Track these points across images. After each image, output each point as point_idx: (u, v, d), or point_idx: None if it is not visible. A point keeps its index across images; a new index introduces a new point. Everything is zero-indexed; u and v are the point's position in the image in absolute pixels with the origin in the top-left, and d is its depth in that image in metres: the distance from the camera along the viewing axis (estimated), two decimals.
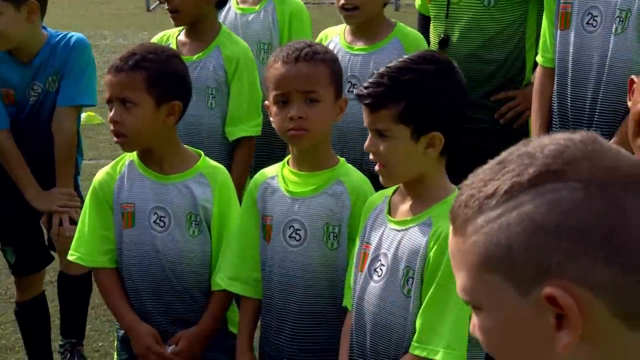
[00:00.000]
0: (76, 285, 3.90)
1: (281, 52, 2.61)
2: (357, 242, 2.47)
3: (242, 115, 3.54)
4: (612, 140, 2.96)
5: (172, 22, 3.61)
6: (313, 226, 2.59)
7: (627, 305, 0.97)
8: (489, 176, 1.04)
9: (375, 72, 2.35)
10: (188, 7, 3.51)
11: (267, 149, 3.74)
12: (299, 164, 2.64)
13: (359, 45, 3.50)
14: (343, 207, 2.58)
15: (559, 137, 1.04)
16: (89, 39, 3.83)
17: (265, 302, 2.70)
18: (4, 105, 3.62)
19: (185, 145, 2.91)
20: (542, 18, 3.37)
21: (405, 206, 2.37)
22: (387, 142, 2.30)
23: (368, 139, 2.35)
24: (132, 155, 2.86)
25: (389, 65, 2.35)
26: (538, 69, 3.43)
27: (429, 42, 3.68)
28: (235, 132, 3.54)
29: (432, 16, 3.71)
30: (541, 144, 1.03)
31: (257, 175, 2.76)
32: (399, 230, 2.34)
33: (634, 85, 2.18)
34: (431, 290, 2.26)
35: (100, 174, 2.89)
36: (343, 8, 3.46)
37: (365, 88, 2.33)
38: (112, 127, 2.78)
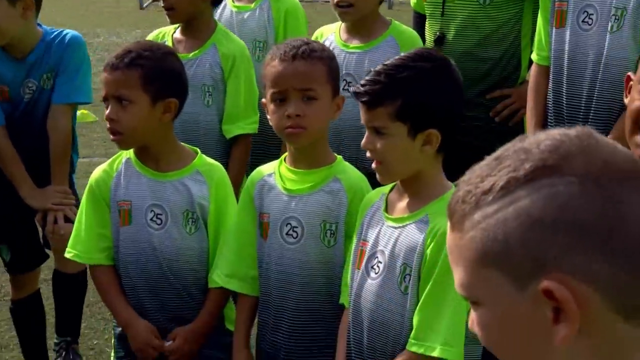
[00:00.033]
0: (71, 284, 3.89)
1: (278, 49, 2.61)
2: (354, 240, 2.47)
3: (240, 112, 3.54)
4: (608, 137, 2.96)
5: (168, 20, 3.60)
6: (310, 223, 2.59)
7: (624, 298, 0.98)
8: (486, 172, 1.04)
9: (373, 69, 2.36)
10: (184, 4, 3.51)
11: (263, 146, 3.75)
12: (296, 161, 2.64)
13: (355, 43, 3.50)
14: (340, 204, 2.58)
15: (555, 133, 1.04)
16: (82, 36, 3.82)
17: (263, 299, 2.70)
18: None
19: (182, 143, 2.91)
20: (537, 16, 3.38)
21: (402, 203, 2.38)
22: (384, 139, 2.31)
23: (365, 136, 2.35)
24: (129, 153, 2.86)
25: (386, 63, 2.35)
26: (533, 67, 3.44)
27: (424, 41, 3.68)
28: (232, 130, 3.54)
29: (427, 14, 3.72)
30: (537, 140, 1.03)
31: (254, 173, 2.76)
32: (396, 228, 2.35)
33: (631, 82, 2.19)
34: (428, 287, 2.26)
35: (97, 172, 2.89)
36: (338, 5, 3.46)
37: (362, 86, 2.33)
38: (108, 125, 2.78)
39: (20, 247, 3.82)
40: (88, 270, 3.36)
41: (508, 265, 1.00)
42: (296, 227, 2.60)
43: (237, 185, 3.20)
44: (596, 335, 0.99)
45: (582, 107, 3.17)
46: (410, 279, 2.29)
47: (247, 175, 3.13)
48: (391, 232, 2.36)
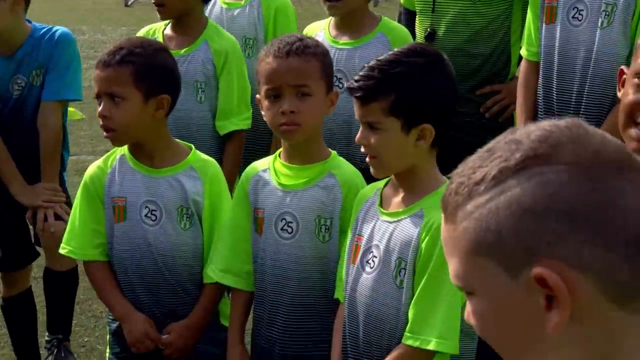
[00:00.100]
0: (62, 281, 3.88)
1: (272, 46, 2.61)
2: (349, 235, 2.48)
3: (233, 108, 3.54)
4: None
5: (156, 16, 3.59)
6: (305, 219, 2.60)
7: (615, 284, 0.99)
8: (478, 163, 1.06)
9: (366, 65, 2.37)
10: (174, 0, 3.50)
11: (253, 142, 3.75)
12: (291, 157, 2.65)
13: (344, 39, 3.50)
14: (335, 199, 2.59)
15: (545, 124, 1.06)
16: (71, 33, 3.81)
17: (258, 294, 2.71)
18: None
19: (177, 139, 2.91)
20: (526, 12, 3.40)
21: (397, 198, 2.39)
22: (378, 134, 2.32)
23: (359, 131, 2.36)
24: (124, 149, 2.85)
25: (379, 58, 2.36)
26: (522, 63, 3.46)
27: (414, 37, 3.69)
28: (226, 126, 3.54)
29: (418, 10, 3.73)
30: (528, 131, 1.05)
31: (249, 168, 2.76)
32: (390, 222, 2.36)
33: (624, 76, 2.20)
34: (423, 281, 2.28)
35: (92, 168, 2.89)
36: None
37: (356, 81, 2.34)
38: (101, 122, 2.77)
39: (11, 245, 3.81)
40: (80, 267, 3.36)
41: (501, 254, 1.02)
42: (291, 222, 2.61)
43: (231, 181, 3.20)
44: (589, 322, 1.00)
45: (573, 103, 3.19)
46: (405, 273, 2.31)
47: (241, 171, 3.13)
48: (386, 227, 2.37)
